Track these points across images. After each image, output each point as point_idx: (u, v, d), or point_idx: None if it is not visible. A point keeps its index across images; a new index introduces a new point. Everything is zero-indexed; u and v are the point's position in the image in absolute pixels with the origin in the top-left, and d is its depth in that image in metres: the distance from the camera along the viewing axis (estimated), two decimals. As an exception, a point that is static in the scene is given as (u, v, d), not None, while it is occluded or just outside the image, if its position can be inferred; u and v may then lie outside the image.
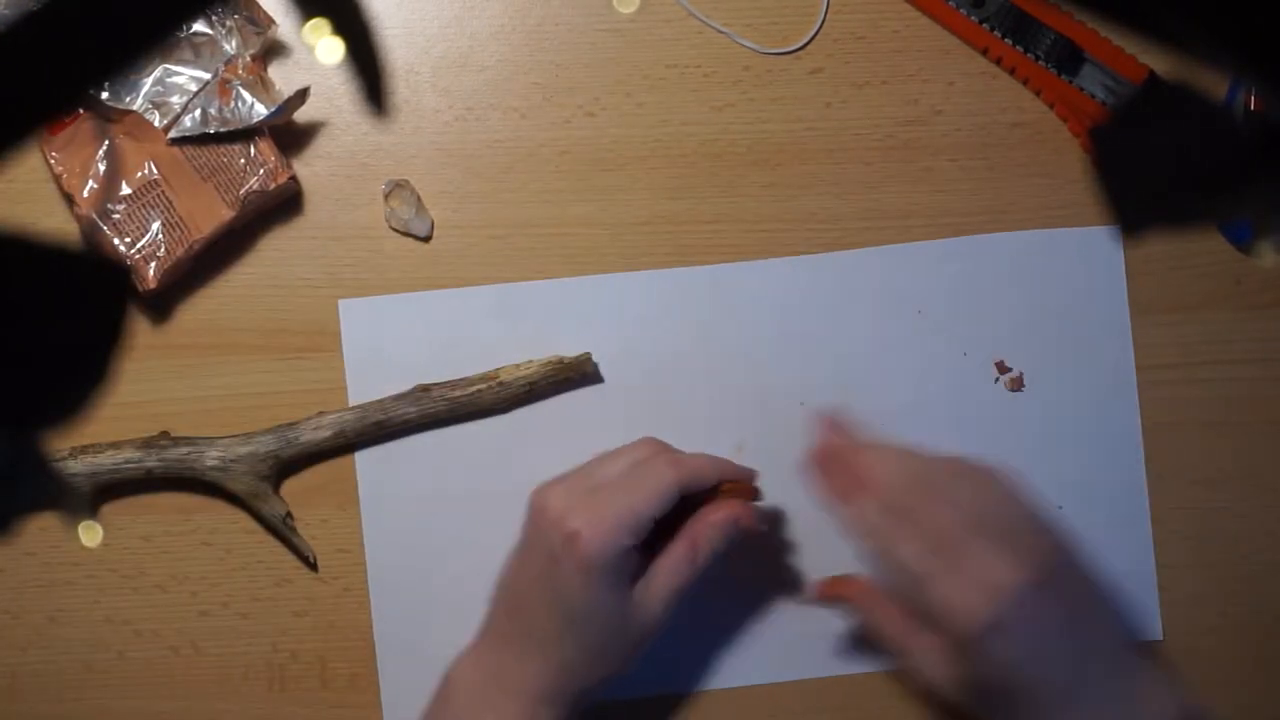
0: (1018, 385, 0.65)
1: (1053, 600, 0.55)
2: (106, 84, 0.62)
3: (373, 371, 0.65)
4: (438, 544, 0.64)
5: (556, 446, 0.62)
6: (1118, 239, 0.64)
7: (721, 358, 0.65)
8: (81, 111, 0.63)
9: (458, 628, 0.60)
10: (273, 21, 0.63)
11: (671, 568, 0.58)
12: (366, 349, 0.65)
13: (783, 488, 0.63)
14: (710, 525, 0.58)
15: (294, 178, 0.64)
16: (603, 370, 0.65)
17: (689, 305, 0.65)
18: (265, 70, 0.65)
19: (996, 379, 0.65)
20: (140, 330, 0.65)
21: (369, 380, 0.65)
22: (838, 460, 0.59)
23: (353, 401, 0.65)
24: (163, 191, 0.63)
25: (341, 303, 0.65)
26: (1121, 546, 0.65)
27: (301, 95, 0.63)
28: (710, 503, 0.59)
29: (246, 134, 0.63)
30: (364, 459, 0.65)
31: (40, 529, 0.65)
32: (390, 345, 0.65)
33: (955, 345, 0.65)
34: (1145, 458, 0.65)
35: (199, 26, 0.63)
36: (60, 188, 0.63)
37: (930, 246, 0.66)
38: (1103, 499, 0.65)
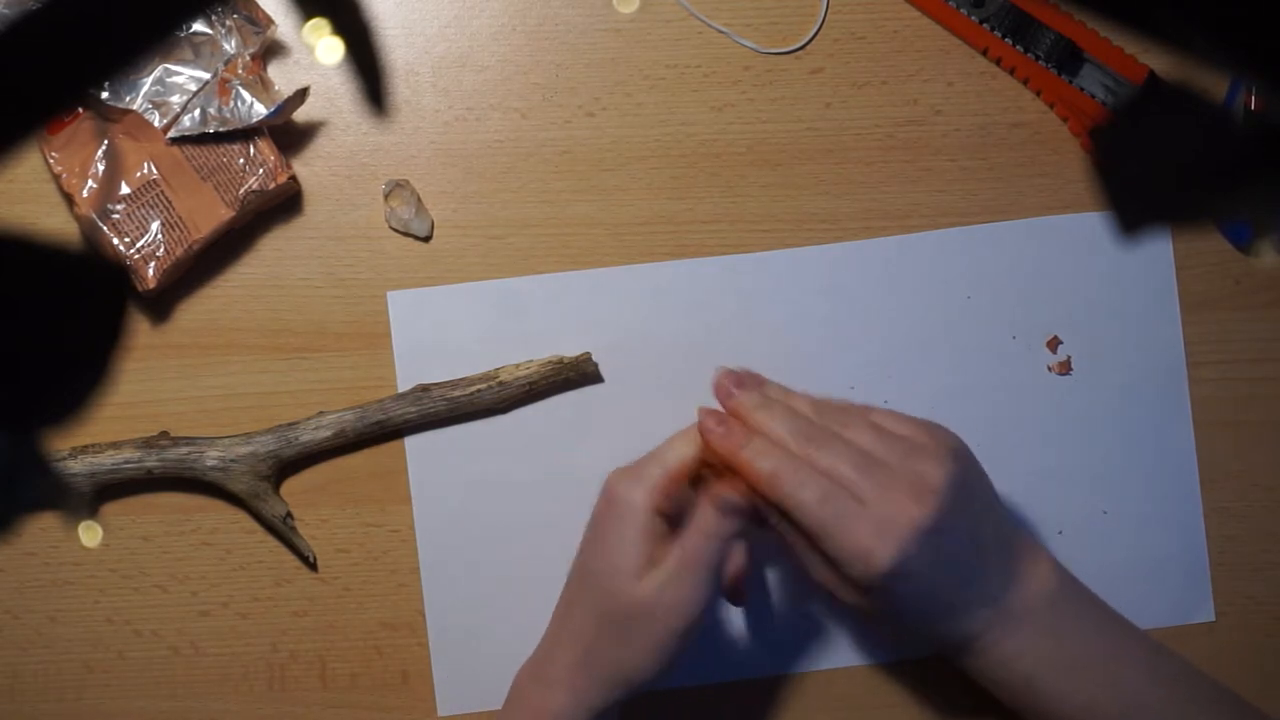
0: (1065, 369, 0.65)
1: (952, 520, 0.54)
2: (106, 84, 0.62)
3: (422, 363, 0.65)
4: (490, 531, 0.65)
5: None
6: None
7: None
8: (81, 111, 0.63)
9: (513, 618, 0.63)
10: (272, 21, 0.63)
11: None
12: (415, 340, 0.65)
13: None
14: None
15: (294, 177, 0.64)
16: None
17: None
18: (265, 70, 0.65)
19: (1048, 368, 0.65)
20: (140, 330, 0.65)
21: (419, 372, 0.64)
22: (731, 421, 0.57)
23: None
24: (162, 191, 0.63)
25: (390, 294, 0.65)
26: (1172, 528, 0.65)
27: (301, 95, 0.63)
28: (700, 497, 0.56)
29: (246, 134, 0.63)
30: (413, 444, 0.65)
31: (40, 529, 0.65)
32: (441, 336, 0.65)
33: (1004, 329, 0.66)
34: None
35: (199, 26, 0.63)
36: (60, 188, 0.63)
37: (975, 231, 0.66)
38: (1153, 480, 0.65)
